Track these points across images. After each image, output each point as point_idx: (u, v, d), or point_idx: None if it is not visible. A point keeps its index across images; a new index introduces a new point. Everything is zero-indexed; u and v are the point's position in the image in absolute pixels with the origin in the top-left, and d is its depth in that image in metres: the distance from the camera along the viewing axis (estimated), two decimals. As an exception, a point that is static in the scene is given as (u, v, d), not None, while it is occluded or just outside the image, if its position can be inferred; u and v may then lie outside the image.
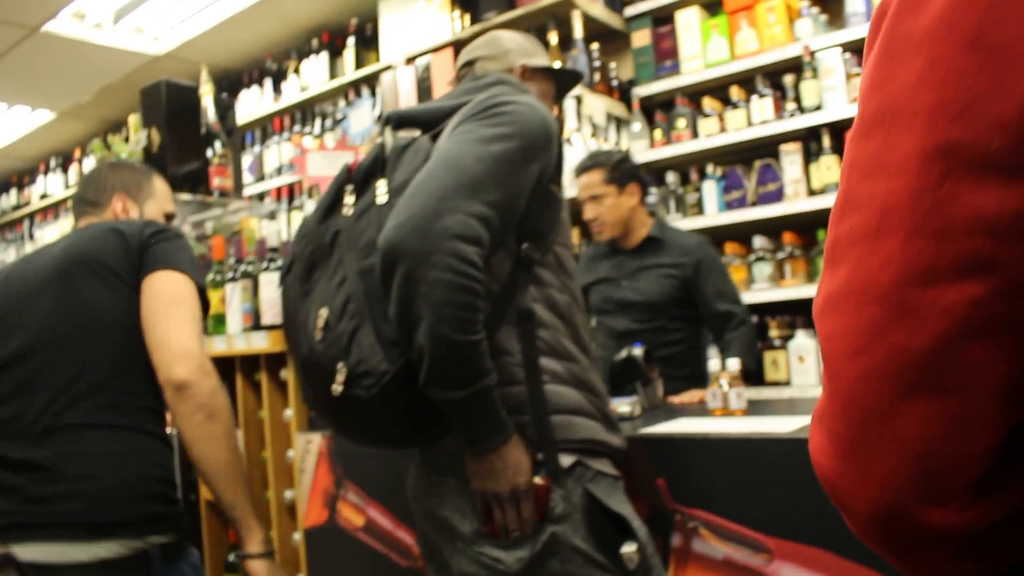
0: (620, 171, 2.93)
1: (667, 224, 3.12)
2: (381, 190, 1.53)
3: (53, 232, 7.02)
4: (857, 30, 3.38)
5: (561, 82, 1.94)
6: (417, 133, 1.61)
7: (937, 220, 0.50)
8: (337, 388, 1.43)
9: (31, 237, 7.41)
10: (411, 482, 1.67)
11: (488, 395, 1.38)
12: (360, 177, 1.59)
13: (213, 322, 2.67)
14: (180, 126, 3.10)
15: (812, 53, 3.43)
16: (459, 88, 1.74)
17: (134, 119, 3.40)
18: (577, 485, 1.49)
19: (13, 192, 7.89)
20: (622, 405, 2.19)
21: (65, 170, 7.16)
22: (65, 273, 1.73)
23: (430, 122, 1.63)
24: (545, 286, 1.56)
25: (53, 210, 7.26)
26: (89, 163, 6.71)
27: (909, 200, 0.51)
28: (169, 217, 2.10)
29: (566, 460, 1.48)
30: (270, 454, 2.59)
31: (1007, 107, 0.47)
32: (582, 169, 2.99)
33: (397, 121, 1.67)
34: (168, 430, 1.82)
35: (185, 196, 3.09)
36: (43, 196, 7.34)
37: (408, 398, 1.43)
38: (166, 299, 1.71)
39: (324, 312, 1.48)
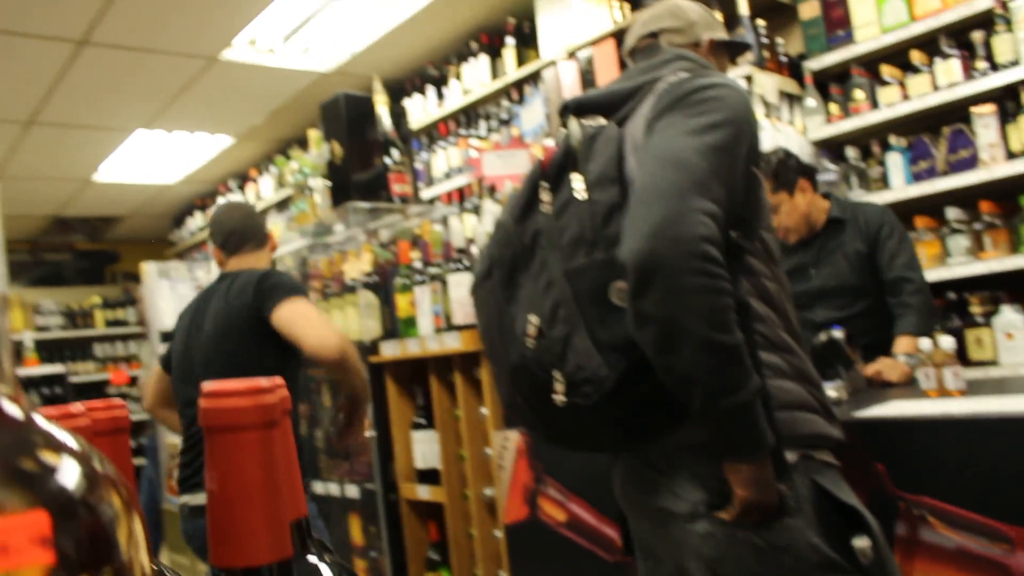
0: (784, 175, 2.83)
1: (845, 200, 3.00)
2: (578, 184, 1.48)
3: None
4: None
5: (732, 53, 1.87)
6: (601, 120, 1.57)
7: None
8: (560, 398, 1.40)
9: (217, 256, 7.87)
10: (619, 480, 1.64)
11: (760, 394, 1.33)
12: (553, 172, 1.54)
13: (404, 325, 2.74)
14: (359, 136, 3.20)
15: (1005, 3, 3.19)
16: (638, 66, 1.69)
17: (314, 134, 3.53)
18: (804, 477, 1.42)
19: (198, 215, 8.41)
20: (828, 389, 2.10)
21: (243, 190, 7.57)
22: (234, 328, 2.42)
23: (612, 106, 1.59)
24: (756, 275, 1.49)
25: (236, 229, 7.69)
26: (266, 182, 7.06)
27: None
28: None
29: (791, 456, 1.42)
30: (468, 452, 2.63)
31: None
32: None
33: (577, 108, 1.64)
34: None
35: (365, 204, 3.19)
36: (226, 216, 7.78)
37: (626, 405, 1.39)
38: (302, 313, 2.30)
39: (534, 318, 1.45)
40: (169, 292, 5.71)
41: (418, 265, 2.82)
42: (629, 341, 1.35)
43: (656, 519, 1.53)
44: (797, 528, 1.39)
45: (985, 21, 3.30)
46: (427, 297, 2.65)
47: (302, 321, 2.27)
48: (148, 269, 5.74)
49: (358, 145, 3.20)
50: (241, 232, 2.56)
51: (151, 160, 7.11)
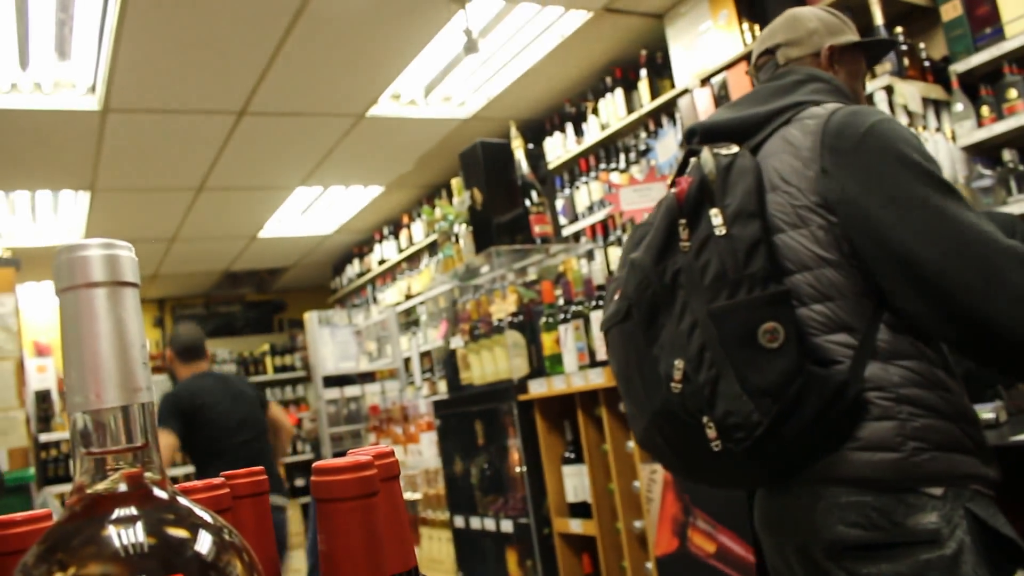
0: None
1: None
2: (716, 220, 1.44)
3: (392, 294, 7.73)
4: None
5: (872, 52, 1.80)
6: (733, 148, 1.53)
7: None
8: (716, 444, 1.38)
9: (375, 300, 8.21)
10: (759, 512, 1.61)
11: None
12: (689, 206, 1.48)
13: (550, 362, 2.80)
14: (498, 181, 3.31)
15: None
16: (765, 88, 1.64)
17: (456, 182, 3.67)
18: (957, 505, 1.37)
19: (356, 262, 8.81)
20: (985, 411, 2.01)
21: (396, 236, 7.88)
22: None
23: (745, 132, 1.56)
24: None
25: (391, 273, 8.02)
26: (417, 227, 7.34)
27: None
28: None
29: (936, 490, 1.37)
30: (616, 486, 2.66)
31: None
32: None
33: (706, 133, 1.61)
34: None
35: (509, 247, 3.28)
36: (381, 262, 8.13)
37: (774, 447, 1.37)
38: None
39: (679, 362, 1.42)
40: (329, 338, 6.00)
41: (561, 303, 2.88)
42: (779, 385, 1.34)
43: (794, 551, 1.51)
44: (953, 561, 1.34)
45: None
46: (570, 334, 2.70)
47: (281, 413, 4.71)
48: (310, 317, 6.06)
49: (497, 190, 3.31)
50: (196, 348, 4.44)
51: (310, 214, 7.52)
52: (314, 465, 0.49)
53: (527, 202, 3.32)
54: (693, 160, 1.57)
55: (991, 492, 1.43)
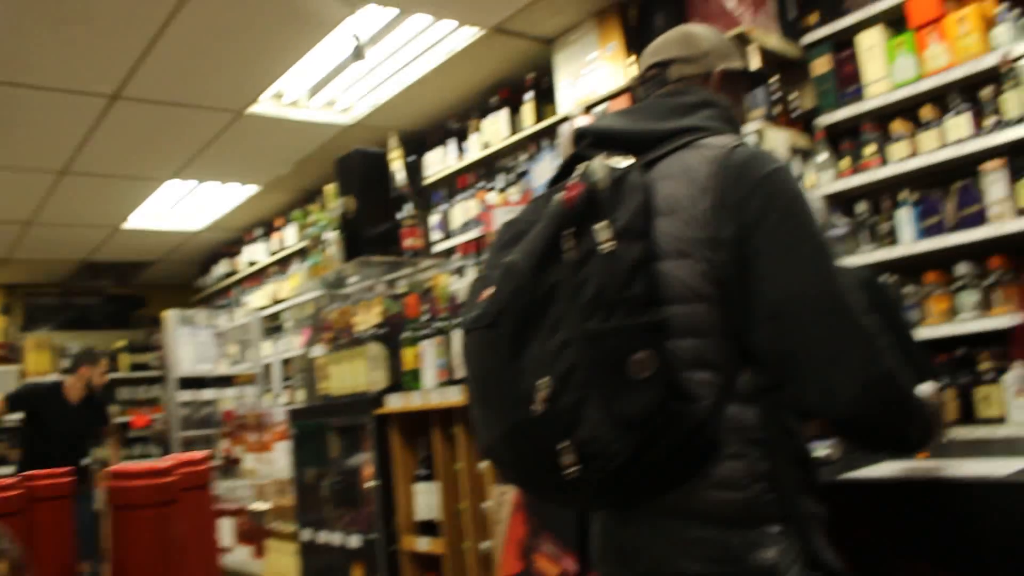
0: None
1: None
2: (602, 235, 1.36)
3: (259, 297, 7.53)
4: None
5: (752, 83, 1.81)
6: (626, 160, 1.45)
7: None
8: (572, 471, 1.32)
9: (240, 303, 7.99)
10: (603, 544, 1.57)
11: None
12: (577, 217, 1.40)
13: (410, 377, 2.78)
14: (372, 191, 3.27)
15: (1013, 60, 3.22)
16: (662, 104, 1.60)
17: (330, 188, 3.62)
18: (794, 540, 1.39)
19: (224, 262, 8.55)
20: (821, 448, 2.10)
21: (268, 238, 7.70)
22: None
23: (637, 145, 1.49)
24: None
25: (259, 276, 7.81)
26: (290, 231, 7.18)
27: None
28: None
29: (776, 527, 1.41)
30: (467, 505, 2.65)
31: None
32: None
33: (597, 139, 1.54)
34: None
35: (378, 257, 3.25)
36: (250, 263, 7.92)
37: (630, 476, 1.33)
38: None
39: (545, 381, 1.34)
40: (189, 338, 5.80)
41: (425, 318, 2.86)
42: (643, 416, 1.30)
43: None
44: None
45: (993, 77, 3.32)
46: (432, 350, 2.69)
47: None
48: (170, 316, 5.84)
49: (371, 200, 3.27)
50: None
51: (181, 208, 7.26)
52: (110, 469, 0.46)
53: (400, 214, 3.30)
54: (580, 166, 1.48)
55: (822, 527, 1.49)
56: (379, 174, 3.31)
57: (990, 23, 3.37)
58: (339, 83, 5.09)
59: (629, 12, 4.25)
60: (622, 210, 1.38)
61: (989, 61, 3.30)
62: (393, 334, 3.02)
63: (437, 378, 2.69)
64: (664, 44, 1.71)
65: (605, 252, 1.34)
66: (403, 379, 2.88)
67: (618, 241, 1.35)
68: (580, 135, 1.57)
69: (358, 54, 3.93)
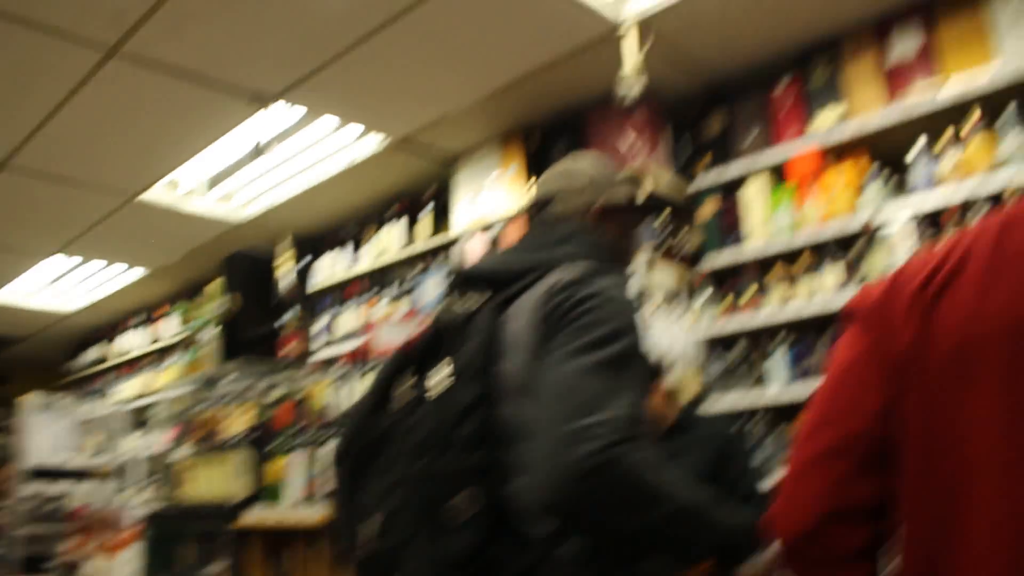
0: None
1: (694, 409, 3.09)
2: (438, 376, 1.38)
3: (130, 388, 7.22)
4: (925, 197, 3.33)
5: (646, 210, 1.81)
6: (480, 297, 1.48)
7: None
8: None
9: (107, 392, 7.61)
10: None
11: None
12: (415, 358, 1.44)
13: (272, 489, 2.68)
14: (257, 293, 3.22)
15: (879, 221, 3.42)
16: (533, 240, 1.63)
17: (216, 285, 3.54)
18: None
19: (97, 347, 8.20)
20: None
21: (146, 327, 7.43)
22: None
23: (500, 283, 1.50)
24: None
25: (133, 366, 7.50)
26: (172, 321, 6.96)
27: None
28: None
29: None
30: (324, 627, 2.54)
31: None
32: None
33: (465, 279, 1.56)
34: None
35: (257, 361, 3.17)
36: (124, 352, 7.60)
37: None
38: None
39: (376, 519, 1.37)
40: (46, 426, 5.49)
41: (297, 429, 2.79)
42: (462, 561, 1.29)
43: None
44: None
45: (863, 234, 3.51)
46: (299, 463, 2.61)
47: None
48: (29, 399, 5.53)
49: (255, 302, 3.22)
50: None
51: (60, 285, 6.98)
52: None
53: (283, 319, 3.24)
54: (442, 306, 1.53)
55: None
56: (265, 277, 3.27)
57: (861, 183, 3.59)
58: (239, 178, 5.05)
59: (532, 137, 4.38)
60: (463, 352, 1.39)
61: (860, 219, 3.50)
62: (263, 442, 2.93)
63: (302, 492, 2.60)
64: (549, 177, 1.75)
65: (440, 393, 1.36)
66: (267, 490, 2.78)
67: (455, 382, 1.36)
68: (453, 275, 1.59)
69: (260, 151, 3.92)
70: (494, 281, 1.51)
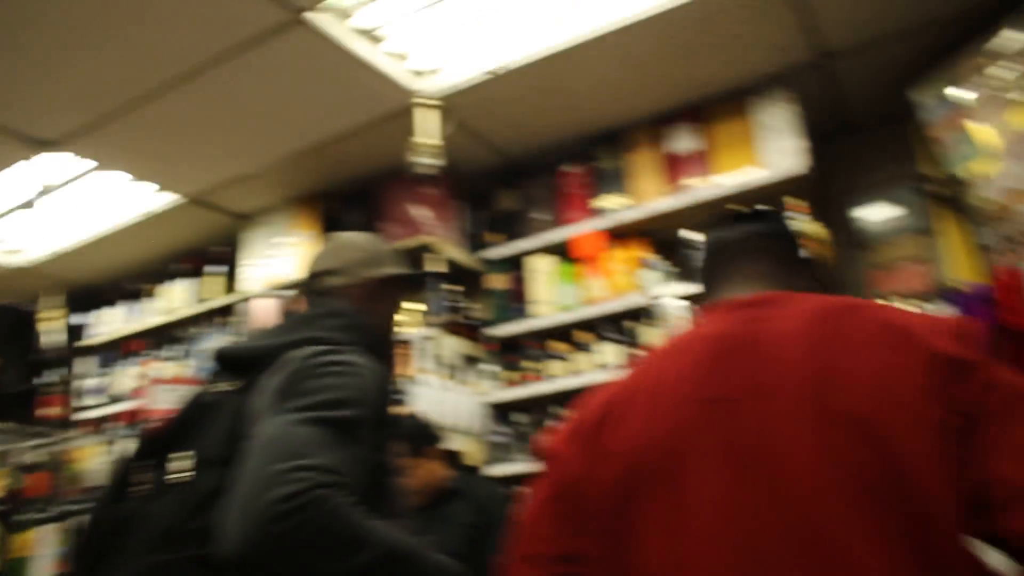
0: (416, 440, 2.96)
1: (468, 473, 3.16)
2: (181, 464, 1.35)
3: None
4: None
5: (412, 285, 1.88)
6: (235, 379, 1.47)
7: None
8: None
9: None
10: None
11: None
12: (159, 446, 1.39)
13: (13, 566, 2.49)
14: (15, 350, 3.02)
15: (654, 301, 3.63)
16: (291, 318, 1.65)
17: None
18: None
19: None
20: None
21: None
22: None
23: (251, 364, 1.48)
24: None
25: None
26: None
27: None
28: None
29: None
30: None
31: None
32: None
33: (220, 360, 1.54)
34: None
35: (11, 424, 2.96)
36: None
37: None
38: None
39: None
40: None
41: (51, 498, 2.62)
42: None
43: None
44: None
45: (639, 313, 3.72)
46: (51, 537, 2.44)
47: None
48: None
49: (14, 358, 3.01)
50: None
51: None
52: None
53: (46, 378, 3.05)
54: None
55: None
56: (25, 332, 3.07)
57: (639, 265, 3.82)
58: (19, 222, 4.71)
59: (326, 204, 4.38)
60: (204, 439, 1.37)
61: (636, 299, 3.71)
62: (12, 512, 2.72)
63: (52, 569, 2.43)
64: (320, 256, 1.79)
65: (181, 483, 1.33)
66: (12, 565, 2.57)
67: (196, 471, 1.34)
68: (216, 359, 1.57)
69: (39, 196, 3.70)
70: (249, 363, 1.49)
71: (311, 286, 1.76)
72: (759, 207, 1.42)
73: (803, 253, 1.36)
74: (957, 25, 3.24)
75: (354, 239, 1.82)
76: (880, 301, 1.14)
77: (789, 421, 1.02)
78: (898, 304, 3.41)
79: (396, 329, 1.83)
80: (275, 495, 1.17)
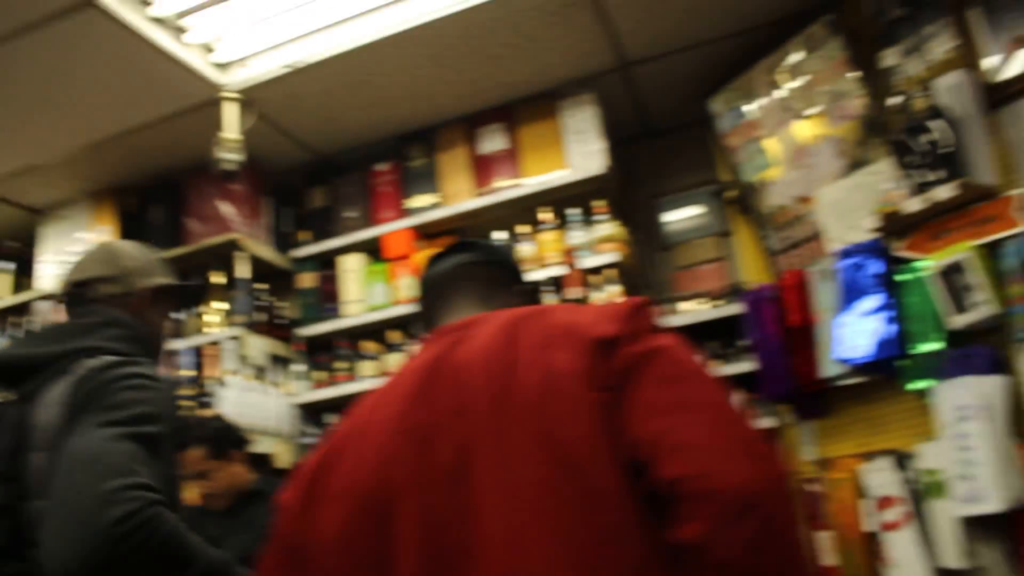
0: (219, 443, 2.92)
1: (272, 476, 3.12)
2: None
3: None
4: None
5: (189, 294, 1.88)
6: (7, 390, 1.43)
7: None
8: None
9: None
10: None
11: None
12: None
13: None
14: None
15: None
16: (66, 326, 1.59)
17: None
18: None
19: None
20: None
21: None
22: None
23: (24, 373, 1.44)
24: None
25: None
26: None
27: None
28: None
29: None
30: None
31: None
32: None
33: None
34: None
35: None
36: None
37: None
38: None
39: None
40: None
41: None
42: None
43: None
44: None
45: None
46: None
47: None
48: None
49: None
50: None
51: None
52: None
53: None
54: None
55: None
56: None
57: (451, 264, 3.82)
58: None
59: (128, 198, 4.18)
60: None
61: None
62: None
63: None
64: (87, 262, 1.72)
65: None
66: None
67: None
68: None
69: None
70: (22, 371, 1.45)
71: (82, 293, 1.68)
72: (466, 239, 1.49)
73: (518, 275, 1.43)
74: (748, 41, 3.41)
75: (124, 247, 1.77)
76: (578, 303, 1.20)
77: (479, 435, 1.05)
78: (694, 304, 3.56)
79: (166, 340, 1.82)
80: (112, 516, 1.18)
